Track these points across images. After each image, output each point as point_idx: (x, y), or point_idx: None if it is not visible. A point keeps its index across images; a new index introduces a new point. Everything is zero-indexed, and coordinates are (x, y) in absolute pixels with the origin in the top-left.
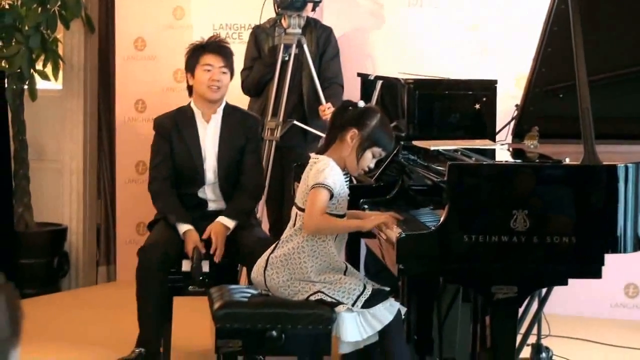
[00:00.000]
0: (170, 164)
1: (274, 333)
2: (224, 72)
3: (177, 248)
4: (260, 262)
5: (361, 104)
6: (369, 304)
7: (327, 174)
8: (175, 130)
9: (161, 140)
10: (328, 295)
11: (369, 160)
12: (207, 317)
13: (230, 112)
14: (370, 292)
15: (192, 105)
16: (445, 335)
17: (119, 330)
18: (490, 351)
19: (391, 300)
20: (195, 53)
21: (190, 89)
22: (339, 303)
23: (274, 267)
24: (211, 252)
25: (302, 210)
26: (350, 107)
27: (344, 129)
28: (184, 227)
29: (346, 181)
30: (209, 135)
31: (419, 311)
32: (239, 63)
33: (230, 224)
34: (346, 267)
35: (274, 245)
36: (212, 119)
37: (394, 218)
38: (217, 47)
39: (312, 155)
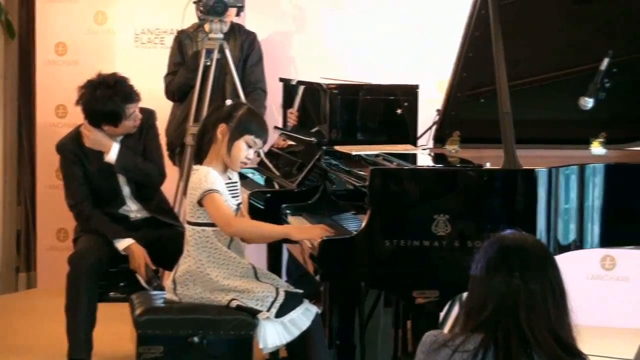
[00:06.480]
0: (87, 186)
1: (196, 339)
2: None
3: (108, 255)
4: (168, 284)
5: (229, 102)
6: (284, 310)
7: (208, 180)
8: (81, 152)
9: (71, 164)
10: (243, 304)
11: (244, 150)
12: (128, 323)
13: None
14: (283, 297)
15: None
16: (367, 340)
17: (41, 338)
18: (412, 356)
19: (307, 304)
20: (118, 108)
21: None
22: (255, 311)
23: (182, 285)
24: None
25: (192, 224)
26: (218, 108)
27: (214, 128)
28: (124, 242)
29: (236, 190)
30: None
31: (341, 316)
32: (162, 68)
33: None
34: (254, 269)
35: (176, 266)
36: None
37: (326, 231)
38: (133, 93)
39: (193, 166)
